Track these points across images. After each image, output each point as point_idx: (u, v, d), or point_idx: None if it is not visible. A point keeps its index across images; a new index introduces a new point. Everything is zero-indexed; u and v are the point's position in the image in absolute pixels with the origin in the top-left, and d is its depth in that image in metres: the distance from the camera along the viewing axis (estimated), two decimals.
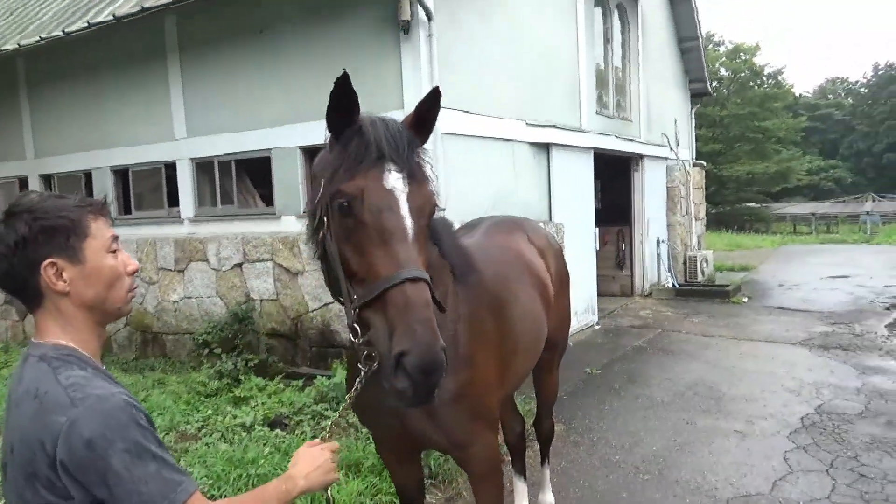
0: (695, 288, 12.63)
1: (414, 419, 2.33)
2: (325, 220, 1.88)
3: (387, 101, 6.62)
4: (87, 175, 9.43)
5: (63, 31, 8.35)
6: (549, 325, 3.47)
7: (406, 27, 6.49)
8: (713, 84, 36.04)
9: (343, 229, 1.83)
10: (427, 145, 6.20)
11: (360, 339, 1.81)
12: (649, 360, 8.06)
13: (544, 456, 4.15)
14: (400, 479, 2.78)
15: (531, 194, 8.51)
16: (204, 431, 5.49)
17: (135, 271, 1.63)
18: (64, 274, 1.49)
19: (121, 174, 9.16)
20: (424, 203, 1.89)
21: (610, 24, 11.36)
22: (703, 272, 13.76)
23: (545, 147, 8.78)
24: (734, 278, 14.45)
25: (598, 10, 10.95)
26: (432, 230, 2.36)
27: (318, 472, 1.74)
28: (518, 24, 8.25)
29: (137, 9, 7.55)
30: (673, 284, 12.80)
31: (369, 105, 6.84)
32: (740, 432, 5.58)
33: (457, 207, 6.78)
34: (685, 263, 13.90)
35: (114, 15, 7.79)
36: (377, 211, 1.79)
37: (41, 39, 8.54)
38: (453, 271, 2.42)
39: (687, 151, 15.26)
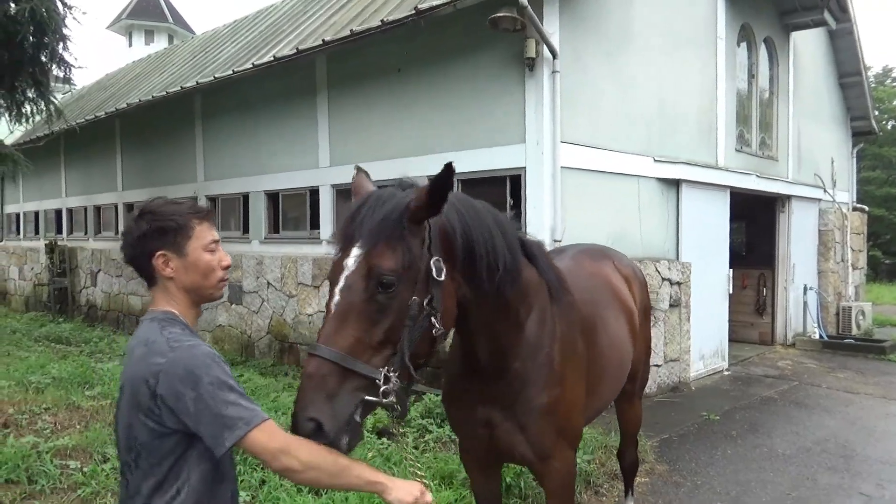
0: (846, 341, 11.58)
1: (504, 430, 2.49)
2: None
3: (509, 134, 6.89)
4: (245, 197, 10.54)
5: (233, 71, 9.50)
6: (633, 353, 3.51)
7: (531, 65, 6.75)
8: (892, 122, 32.98)
9: None
10: (545, 178, 6.34)
11: None
12: (778, 411, 7.55)
13: (628, 487, 4.11)
14: (481, 489, 2.88)
15: (656, 232, 8.34)
16: None
17: (227, 266, 2.00)
18: (171, 263, 1.88)
19: (272, 197, 10.14)
20: (369, 269, 1.92)
21: (755, 60, 10.90)
22: (857, 325, 12.58)
23: (675, 184, 8.60)
24: None
25: (743, 45, 10.59)
26: (529, 253, 2.44)
27: (408, 500, 1.82)
28: (648, 60, 8.19)
29: (294, 51, 8.45)
30: (820, 336, 11.82)
31: (493, 138, 7.35)
32: (866, 495, 5.13)
33: (572, 241, 6.83)
34: (837, 314, 12.79)
35: (274, 56, 8.77)
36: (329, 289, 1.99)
37: (214, 78, 9.78)
38: (550, 291, 2.53)
39: (846, 194, 14.14)
